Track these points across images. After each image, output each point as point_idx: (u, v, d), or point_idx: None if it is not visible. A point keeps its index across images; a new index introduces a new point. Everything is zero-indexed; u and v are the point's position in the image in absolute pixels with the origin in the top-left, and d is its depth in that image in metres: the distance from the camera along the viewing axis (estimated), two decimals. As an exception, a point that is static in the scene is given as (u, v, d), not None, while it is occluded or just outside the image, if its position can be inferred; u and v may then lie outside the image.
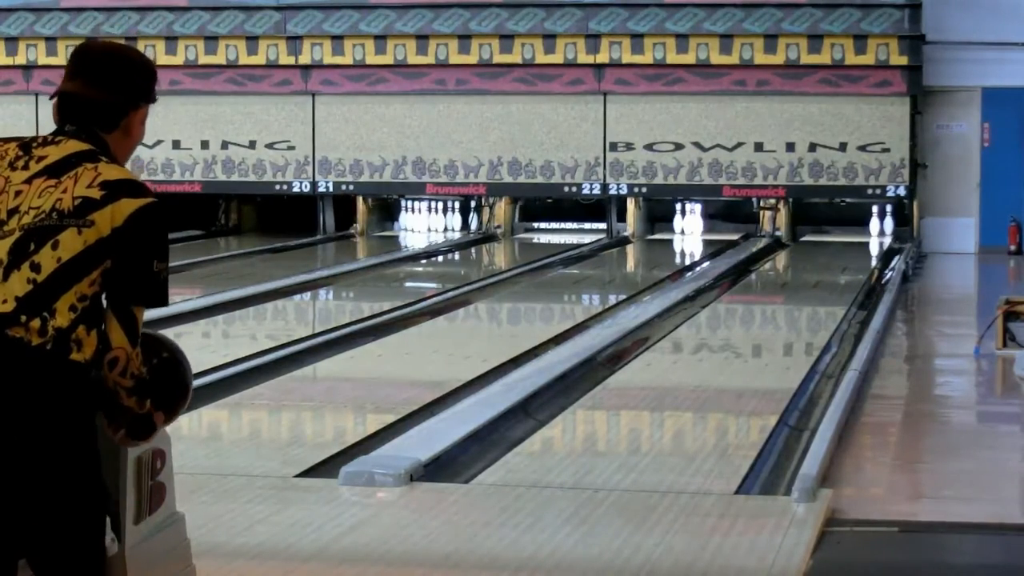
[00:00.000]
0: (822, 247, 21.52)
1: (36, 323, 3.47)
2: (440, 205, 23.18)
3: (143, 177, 22.50)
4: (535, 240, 22.63)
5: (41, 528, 3.53)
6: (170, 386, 3.84)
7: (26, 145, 3.65)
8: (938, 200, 21.60)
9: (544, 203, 22.93)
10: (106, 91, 3.69)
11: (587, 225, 22.96)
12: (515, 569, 6.10)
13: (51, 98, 3.71)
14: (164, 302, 3.67)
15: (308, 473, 7.70)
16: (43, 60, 22.67)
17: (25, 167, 3.60)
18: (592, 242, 21.82)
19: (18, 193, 3.57)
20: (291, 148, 22.25)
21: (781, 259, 20.39)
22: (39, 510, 3.51)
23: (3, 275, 3.50)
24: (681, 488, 7.37)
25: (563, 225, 23.24)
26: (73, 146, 3.64)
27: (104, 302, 3.57)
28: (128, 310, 3.58)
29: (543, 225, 23.30)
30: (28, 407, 3.45)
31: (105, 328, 3.56)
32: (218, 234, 23.41)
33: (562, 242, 22.12)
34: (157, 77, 3.80)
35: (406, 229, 23.41)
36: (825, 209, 22.47)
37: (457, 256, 21.41)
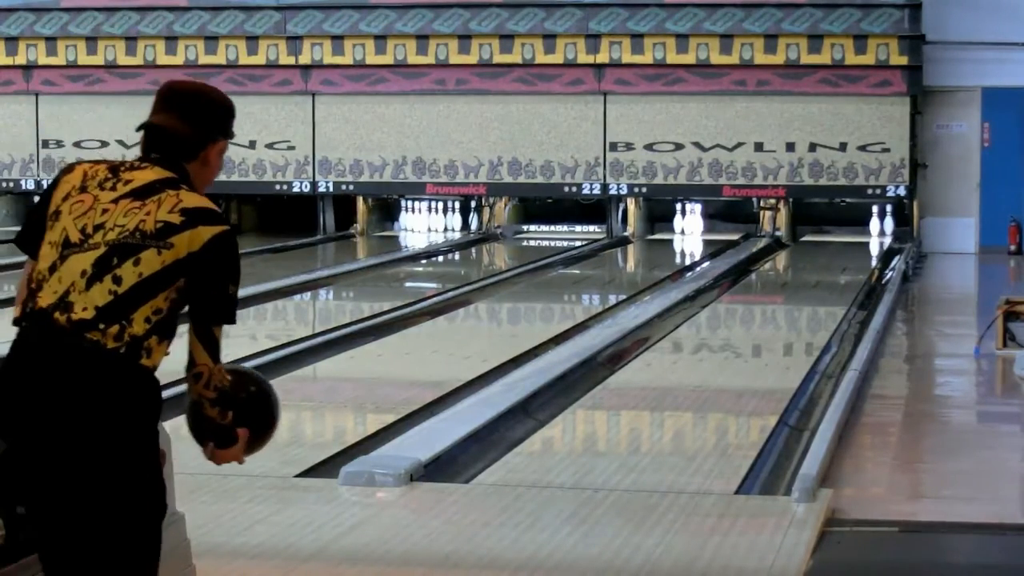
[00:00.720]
0: (822, 247, 21.52)
1: (114, 329, 3.79)
2: (440, 205, 23.18)
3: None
4: (526, 243, 22.62)
5: (95, 514, 3.76)
6: (258, 418, 4.24)
7: (115, 168, 3.94)
8: (938, 200, 21.60)
9: (543, 203, 22.94)
10: (189, 125, 3.98)
11: (580, 227, 22.94)
12: (515, 569, 6.10)
13: (138, 129, 4.02)
14: (233, 320, 3.98)
15: (308, 473, 7.70)
16: (43, 60, 22.67)
17: (112, 188, 3.89)
18: (590, 243, 21.82)
19: (105, 211, 3.85)
20: (291, 148, 22.25)
21: (781, 259, 20.39)
22: (99, 495, 3.76)
23: (86, 285, 3.80)
24: (681, 488, 7.37)
25: (557, 228, 23.21)
26: (157, 173, 3.93)
27: (169, 314, 3.89)
28: (209, 331, 3.91)
29: (539, 227, 23.28)
30: (101, 402, 3.75)
31: (190, 348, 3.92)
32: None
33: (557, 244, 22.11)
34: (235, 115, 4.10)
35: (406, 229, 23.41)
36: (825, 209, 22.47)
37: (457, 256, 21.41)
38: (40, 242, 3.97)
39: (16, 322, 3.89)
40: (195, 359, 3.93)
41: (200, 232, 3.84)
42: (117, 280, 3.79)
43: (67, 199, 3.91)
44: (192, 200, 3.88)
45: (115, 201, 3.86)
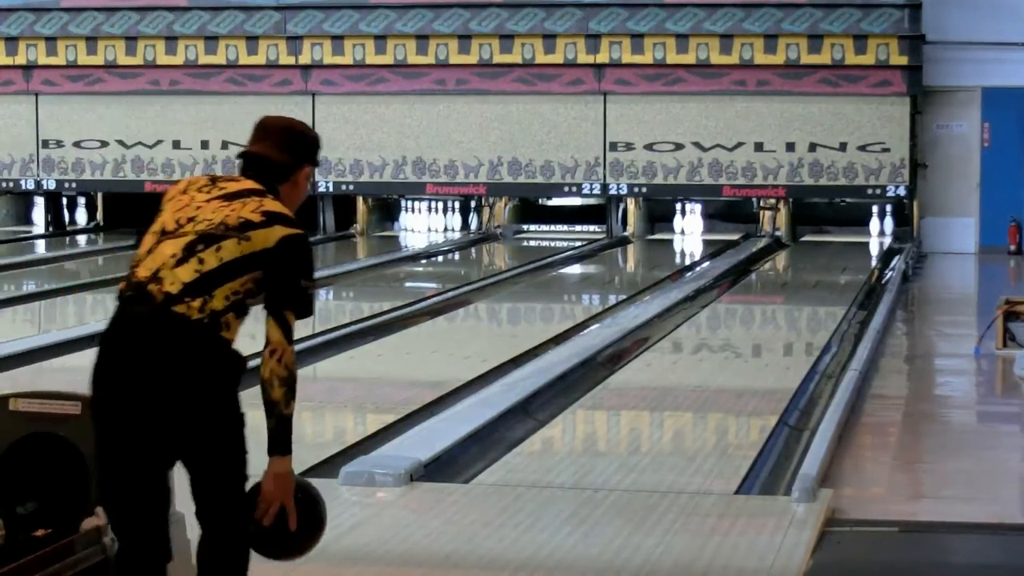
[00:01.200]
0: (822, 247, 21.52)
1: (197, 303, 4.40)
2: (440, 205, 23.17)
3: (143, 177, 22.52)
4: (526, 243, 22.62)
5: (195, 462, 4.43)
6: (307, 521, 4.69)
7: (214, 179, 4.68)
8: (938, 200, 21.60)
9: (539, 205, 22.96)
10: (282, 153, 4.70)
11: (580, 227, 22.95)
12: (515, 569, 6.11)
13: (237, 157, 4.75)
14: (310, 312, 4.58)
15: (308, 473, 7.69)
16: (43, 60, 22.67)
17: (208, 192, 4.60)
18: (590, 242, 21.82)
19: (198, 208, 4.54)
20: (291, 148, 22.22)
21: (781, 259, 20.39)
22: (192, 442, 4.40)
23: (174, 264, 4.44)
24: (681, 488, 7.37)
25: (557, 227, 23.21)
26: (249, 184, 4.63)
27: (245, 297, 4.48)
28: (281, 314, 4.47)
29: (539, 227, 23.28)
30: (187, 365, 4.37)
31: (266, 329, 4.46)
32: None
33: (557, 244, 22.11)
34: (321, 146, 4.86)
35: (406, 229, 23.41)
36: (825, 209, 22.47)
37: (457, 256, 21.41)
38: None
39: (120, 294, 4.52)
40: (270, 338, 4.45)
41: (275, 231, 4.49)
42: (201, 262, 4.43)
43: (171, 200, 4.63)
44: (273, 206, 4.55)
45: (208, 201, 4.55)
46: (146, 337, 4.38)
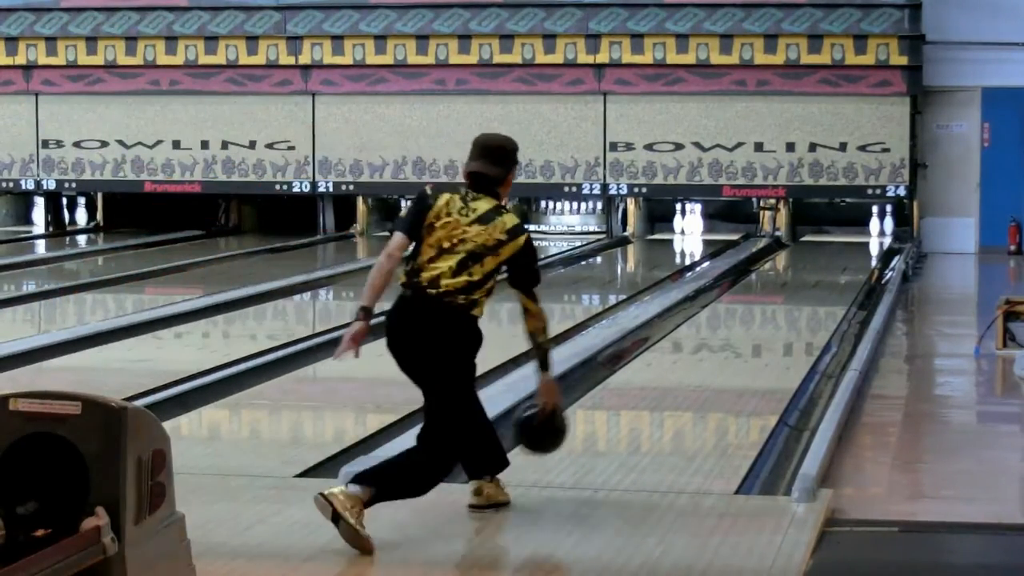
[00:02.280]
0: (822, 247, 21.52)
1: (463, 298, 6.52)
2: (440, 205, 23.13)
3: (143, 177, 22.51)
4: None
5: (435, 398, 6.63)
6: (562, 426, 6.99)
7: (464, 198, 6.64)
8: (938, 200, 21.60)
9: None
10: (497, 167, 6.72)
11: (580, 227, 22.94)
12: (515, 569, 6.11)
13: (467, 175, 6.74)
14: (539, 280, 6.73)
15: (308, 473, 7.70)
16: (43, 60, 22.67)
17: (466, 215, 6.59)
18: (590, 242, 21.82)
19: (464, 231, 6.56)
20: (291, 148, 22.25)
21: (781, 259, 20.39)
22: (440, 386, 6.60)
23: (451, 275, 6.50)
24: (681, 488, 7.37)
25: (557, 228, 23.20)
26: (489, 203, 6.66)
27: (493, 287, 6.63)
28: (530, 291, 6.67)
29: (539, 228, 23.27)
30: (456, 334, 6.56)
31: (524, 304, 6.68)
32: (218, 234, 23.41)
33: (557, 244, 22.10)
34: (518, 148, 6.89)
35: (406, 229, 23.36)
36: (825, 209, 22.47)
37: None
38: (410, 232, 6.59)
39: (403, 285, 6.57)
40: (529, 307, 6.67)
41: (517, 242, 6.61)
42: (471, 274, 6.51)
43: (439, 219, 6.56)
44: (511, 222, 6.62)
45: (470, 225, 6.56)
46: (425, 312, 6.50)
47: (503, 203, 6.71)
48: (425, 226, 6.56)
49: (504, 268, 6.64)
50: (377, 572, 6.04)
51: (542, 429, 6.89)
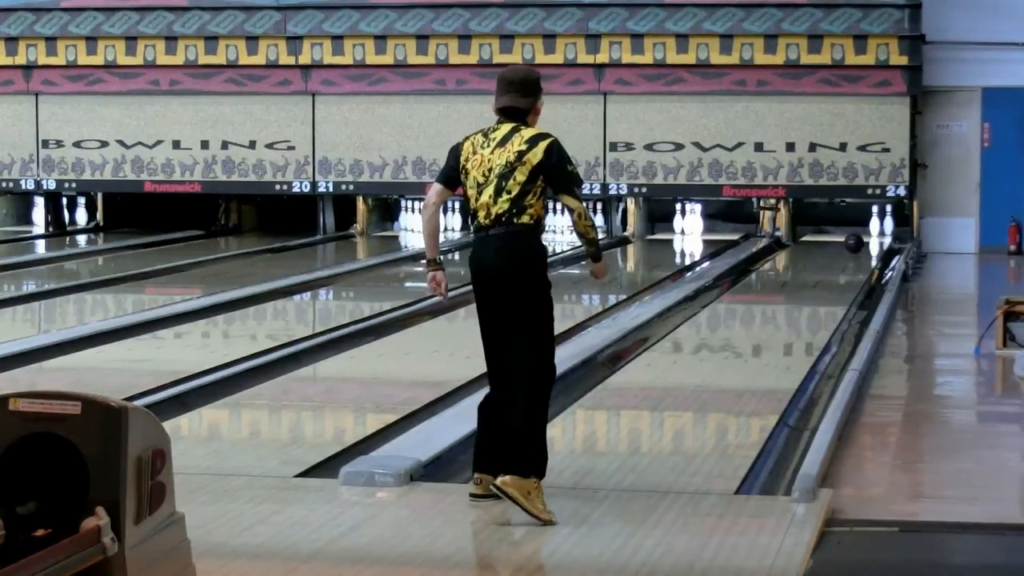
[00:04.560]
0: (822, 247, 21.52)
1: (514, 217, 6.88)
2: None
3: (143, 177, 22.52)
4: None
5: (517, 324, 6.94)
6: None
7: (485, 133, 7.00)
8: (938, 200, 21.60)
9: None
10: (524, 99, 7.00)
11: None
12: (515, 569, 6.11)
13: (496, 111, 7.01)
14: (581, 182, 7.13)
15: (308, 473, 7.70)
16: (43, 60, 22.67)
17: (487, 146, 6.94)
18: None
19: (489, 159, 6.91)
20: (291, 148, 22.25)
21: (781, 259, 20.39)
22: (527, 298, 6.94)
23: (494, 200, 6.88)
24: (681, 488, 7.37)
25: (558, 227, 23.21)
26: (509, 127, 6.97)
27: (542, 196, 6.94)
28: (570, 191, 6.92)
29: None
30: (526, 255, 6.93)
31: (565, 203, 6.94)
32: (218, 234, 23.41)
33: (557, 244, 22.12)
34: (540, 77, 7.14)
35: (406, 229, 23.42)
36: (825, 209, 22.47)
37: (457, 256, 21.41)
38: (447, 182, 7.06)
39: (476, 230, 6.99)
40: (572, 206, 6.92)
41: (539, 147, 6.88)
42: (508, 191, 6.86)
43: (468, 160, 6.95)
44: (530, 132, 6.92)
45: (491, 152, 6.91)
46: (491, 246, 6.91)
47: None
48: (461, 173, 6.97)
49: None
50: (377, 572, 6.04)
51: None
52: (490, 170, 6.88)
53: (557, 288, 18.66)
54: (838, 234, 22.47)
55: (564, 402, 9.57)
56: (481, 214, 6.94)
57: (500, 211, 6.86)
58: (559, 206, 23.55)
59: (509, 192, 6.84)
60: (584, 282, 17.95)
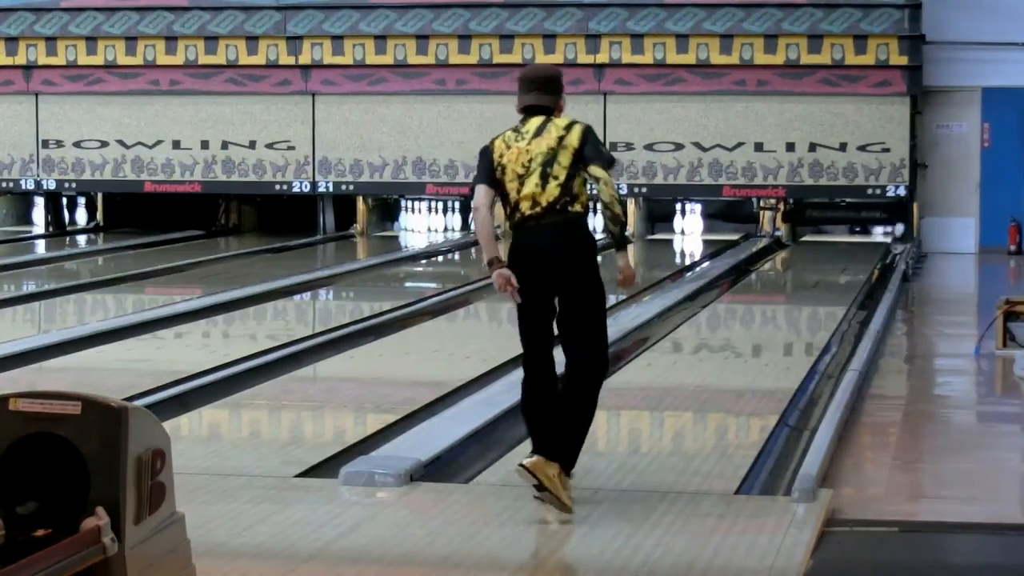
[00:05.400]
0: (822, 247, 21.51)
1: (564, 203, 6.93)
2: (440, 205, 23.18)
3: (143, 177, 22.52)
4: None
5: (576, 310, 7.02)
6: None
7: (515, 129, 7.08)
8: (938, 200, 21.60)
9: None
10: (548, 96, 7.13)
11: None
12: (515, 569, 6.11)
13: (520, 110, 7.13)
14: (612, 160, 7.09)
15: (308, 473, 7.70)
16: (43, 60, 22.67)
17: (521, 139, 7.01)
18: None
19: (527, 150, 6.96)
20: (291, 148, 22.25)
21: (781, 259, 20.39)
22: (584, 282, 7.00)
23: (542, 188, 6.91)
24: (681, 488, 7.37)
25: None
26: (540, 118, 7.06)
27: (585, 182, 7.02)
28: (601, 167, 6.95)
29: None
30: (586, 244, 7.01)
31: (596, 175, 6.93)
32: (218, 234, 23.41)
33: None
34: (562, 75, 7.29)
35: (406, 229, 23.41)
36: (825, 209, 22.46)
37: (457, 256, 21.41)
38: (489, 182, 7.00)
39: (519, 224, 6.96)
40: (599, 175, 6.93)
41: (574, 132, 7.00)
42: (555, 176, 6.92)
43: (502, 157, 6.98)
44: (562, 121, 7.05)
45: (529, 143, 6.98)
46: (541, 237, 6.91)
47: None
48: (497, 171, 6.98)
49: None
50: (377, 572, 6.04)
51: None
52: (531, 160, 6.93)
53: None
54: (838, 234, 22.47)
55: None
56: (525, 205, 6.93)
57: (551, 198, 6.89)
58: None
59: (556, 178, 6.90)
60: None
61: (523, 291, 6.96)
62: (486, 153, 7.06)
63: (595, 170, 6.94)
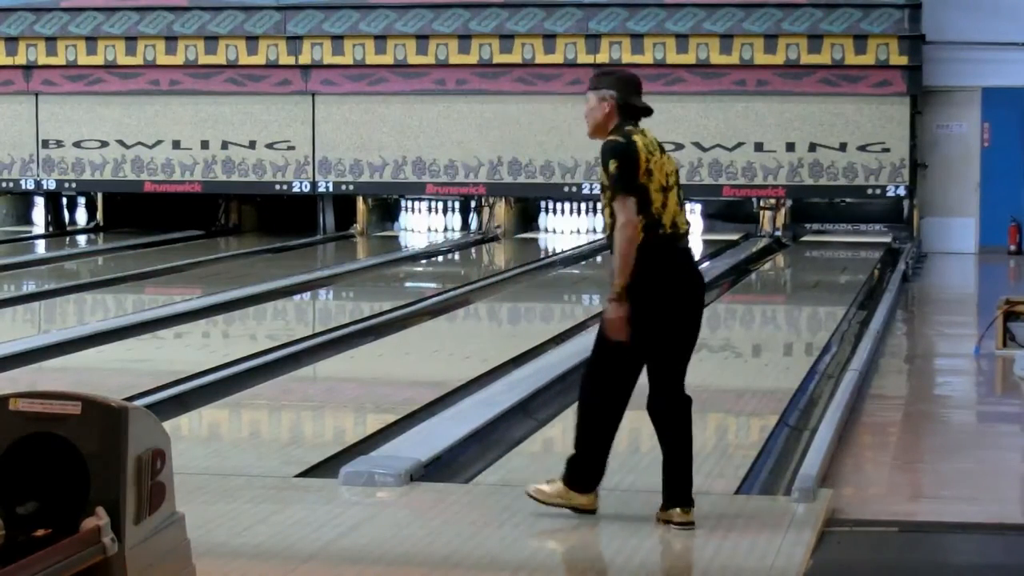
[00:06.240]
0: (822, 247, 21.51)
1: (691, 230, 6.81)
2: (440, 205, 23.17)
3: (143, 177, 22.52)
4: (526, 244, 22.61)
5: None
6: None
7: (643, 133, 6.64)
8: (938, 200, 21.60)
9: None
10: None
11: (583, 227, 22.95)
12: (515, 569, 6.11)
13: (641, 112, 6.80)
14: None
15: (308, 473, 7.70)
16: (43, 60, 22.67)
17: (658, 153, 6.60)
18: (590, 242, 21.82)
19: (667, 164, 6.61)
20: (291, 148, 22.25)
21: (781, 259, 20.39)
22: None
23: (680, 207, 6.63)
24: (681, 488, 7.35)
25: (559, 228, 23.22)
26: (648, 131, 6.75)
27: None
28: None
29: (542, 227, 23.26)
30: (697, 273, 6.78)
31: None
32: (218, 234, 23.41)
33: (557, 245, 22.11)
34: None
35: (406, 229, 23.41)
36: (825, 209, 22.46)
37: (457, 256, 21.41)
38: (635, 192, 6.51)
39: (660, 239, 6.52)
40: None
41: (673, 158, 6.71)
42: (688, 200, 7.18)
43: (649, 162, 6.52)
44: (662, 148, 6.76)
45: (664, 160, 6.60)
46: (694, 257, 6.77)
47: None
48: (643, 176, 6.48)
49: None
50: (377, 572, 6.04)
51: None
52: (668, 175, 6.58)
53: (557, 287, 18.64)
54: (839, 234, 22.48)
55: (564, 402, 9.55)
56: (680, 220, 6.63)
57: (687, 222, 6.72)
58: (554, 204, 23.85)
59: (688, 201, 7.08)
60: (584, 282, 17.95)
61: (688, 319, 6.71)
62: (630, 155, 6.49)
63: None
